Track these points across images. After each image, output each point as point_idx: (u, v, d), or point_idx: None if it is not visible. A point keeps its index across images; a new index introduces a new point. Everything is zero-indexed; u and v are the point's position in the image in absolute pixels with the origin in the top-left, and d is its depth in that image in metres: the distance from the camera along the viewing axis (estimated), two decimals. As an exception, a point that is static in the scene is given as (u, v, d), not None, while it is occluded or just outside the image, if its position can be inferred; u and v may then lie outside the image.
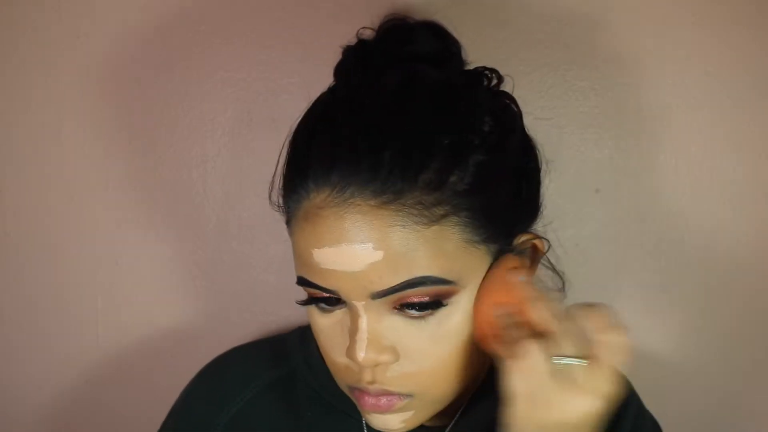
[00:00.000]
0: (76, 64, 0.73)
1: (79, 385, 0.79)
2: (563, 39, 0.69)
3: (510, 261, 0.50)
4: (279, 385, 0.62)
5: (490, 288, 0.49)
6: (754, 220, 0.70)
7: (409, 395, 0.50)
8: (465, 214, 0.48)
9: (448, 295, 0.48)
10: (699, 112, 0.69)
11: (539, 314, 0.45)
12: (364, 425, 0.59)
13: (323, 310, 0.51)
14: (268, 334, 0.75)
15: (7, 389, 0.80)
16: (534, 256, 0.55)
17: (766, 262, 0.71)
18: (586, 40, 0.68)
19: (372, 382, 0.49)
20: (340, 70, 0.56)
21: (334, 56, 0.57)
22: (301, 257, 0.50)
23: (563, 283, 0.62)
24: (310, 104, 0.53)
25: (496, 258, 0.51)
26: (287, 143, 0.52)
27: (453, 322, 0.49)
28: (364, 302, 0.48)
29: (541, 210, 0.57)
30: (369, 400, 0.50)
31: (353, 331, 0.49)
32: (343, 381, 0.53)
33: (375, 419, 0.52)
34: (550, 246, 0.57)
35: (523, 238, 0.53)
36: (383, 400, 0.50)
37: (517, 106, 0.56)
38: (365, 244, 0.46)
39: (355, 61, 0.55)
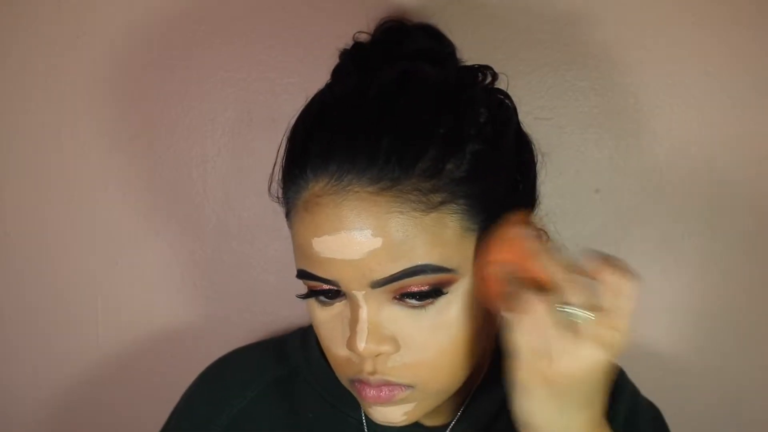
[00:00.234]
0: (76, 64, 0.73)
1: (79, 385, 0.79)
2: (563, 39, 0.69)
3: (513, 216, 0.49)
4: (280, 386, 0.62)
5: (492, 244, 0.48)
6: (755, 221, 0.70)
7: (410, 386, 0.50)
8: (463, 202, 0.48)
9: (448, 283, 0.48)
10: (699, 112, 0.69)
11: (543, 267, 0.45)
12: (365, 426, 0.60)
13: (323, 303, 0.51)
14: (268, 334, 0.75)
15: (7, 389, 0.80)
16: None
17: (767, 263, 0.71)
18: (587, 40, 0.68)
19: (373, 373, 0.49)
20: (337, 72, 0.57)
21: (334, 56, 0.57)
22: (300, 248, 0.50)
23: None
24: (308, 100, 0.54)
25: None
26: (286, 137, 0.53)
27: (453, 312, 0.49)
28: (364, 292, 0.48)
29: (538, 202, 0.57)
30: (370, 392, 0.50)
31: (353, 322, 0.49)
32: (344, 374, 0.53)
33: (376, 412, 0.51)
34: (549, 239, 0.57)
35: None
36: (384, 390, 0.50)
37: (511, 101, 0.56)
38: (364, 230, 0.46)
39: (352, 62, 0.55)
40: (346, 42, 0.57)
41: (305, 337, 0.63)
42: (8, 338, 0.79)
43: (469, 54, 0.58)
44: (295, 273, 0.51)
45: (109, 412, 0.80)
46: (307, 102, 0.53)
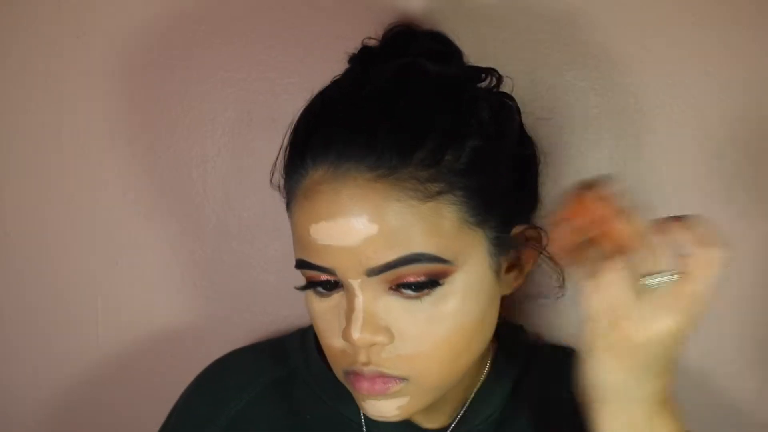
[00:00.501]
0: (76, 64, 0.73)
1: (79, 385, 0.79)
2: (563, 39, 0.69)
3: (593, 179, 0.46)
4: (278, 387, 0.62)
5: (569, 202, 0.45)
6: (755, 221, 0.70)
7: (404, 378, 0.50)
8: (461, 193, 0.48)
9: (444, 274, 0.48)
10: (699, 112, 0.69)
11: (621, 229, 0.42)
12: (364, 426, 0.59)
13: (320, 295, 0.51)
14: (268, 334, 0.75)
15: (7, 389, 0.80)
16: (535, 247, 0.55)
17: (767, 263, 0.71)
18: (587, 40, 0.68)
19: (367, 363, 0.49)
20: (344, 72, 0.57)
21: (334, 56, 0.57)
22: (299, 237, 0.50)
23: (563, 280, 0.62)
24: (313, 95, 0.54)
25: (494, 246, 0.51)
26: (290, 130, 0.53)
27: (449, 305, 0.49)
28: (360, 280, 0.48)
29: (540, 203, 0.57)
30: (364, 384, 0.50)
31: (349, 312, 0.49)
32: (339, 366, 0.53)
33: (370, 406, 0.51)
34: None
35: (523, 228, 0.54)
36: (378, 382, 0.50)
37: (515, 103, 0.57)
38: (360, 216, 0.47)
39: (360, 64, 0.56)
40: (346, 42, 0.57)
41: (304, 339, 0.63)
42: (8, 338, 0.79)
43: (469, 54, 0.58)
44: (294, 268, 0.52)
45: (109, 412, 0.80)
46: (312, 96, 0.54)
